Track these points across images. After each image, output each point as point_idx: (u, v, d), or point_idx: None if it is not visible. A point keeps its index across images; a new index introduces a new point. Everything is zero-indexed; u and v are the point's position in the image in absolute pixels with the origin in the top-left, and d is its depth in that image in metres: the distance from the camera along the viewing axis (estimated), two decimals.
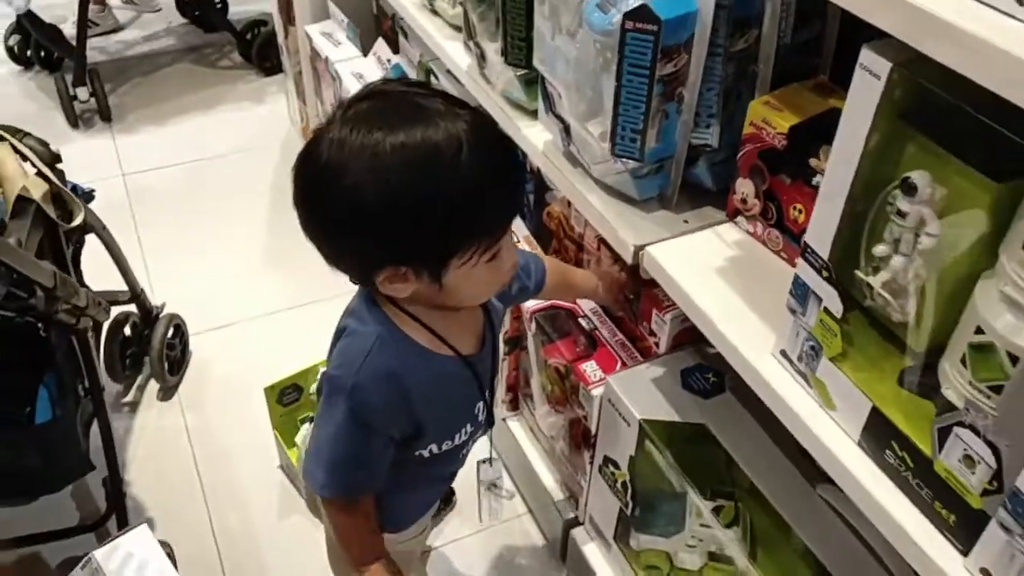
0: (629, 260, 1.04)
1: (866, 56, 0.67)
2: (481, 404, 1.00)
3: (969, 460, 0.67)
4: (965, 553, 0.70)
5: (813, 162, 0.91)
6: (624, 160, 1.01)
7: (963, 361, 0.70)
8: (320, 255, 0.88)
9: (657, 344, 1.21)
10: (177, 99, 2.73)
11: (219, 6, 2.90)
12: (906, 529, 0.73)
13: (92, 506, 1.54)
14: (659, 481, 1.25)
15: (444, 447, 0.98)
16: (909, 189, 0.69)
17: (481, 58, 1.32)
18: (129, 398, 1.78)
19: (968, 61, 0.56)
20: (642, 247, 1.02)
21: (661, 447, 1.12)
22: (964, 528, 0.70)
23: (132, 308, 1.69)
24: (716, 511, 1.17)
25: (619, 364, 1.23)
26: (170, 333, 1.74)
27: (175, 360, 1.77)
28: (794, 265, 0.82)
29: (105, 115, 2.61)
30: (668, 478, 1.24)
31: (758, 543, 1.10)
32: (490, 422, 1.04)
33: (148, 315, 1.72)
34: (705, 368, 1.17)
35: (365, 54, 1.99)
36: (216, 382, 1.81)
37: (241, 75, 2.85)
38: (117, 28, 3.10)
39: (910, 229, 0.71)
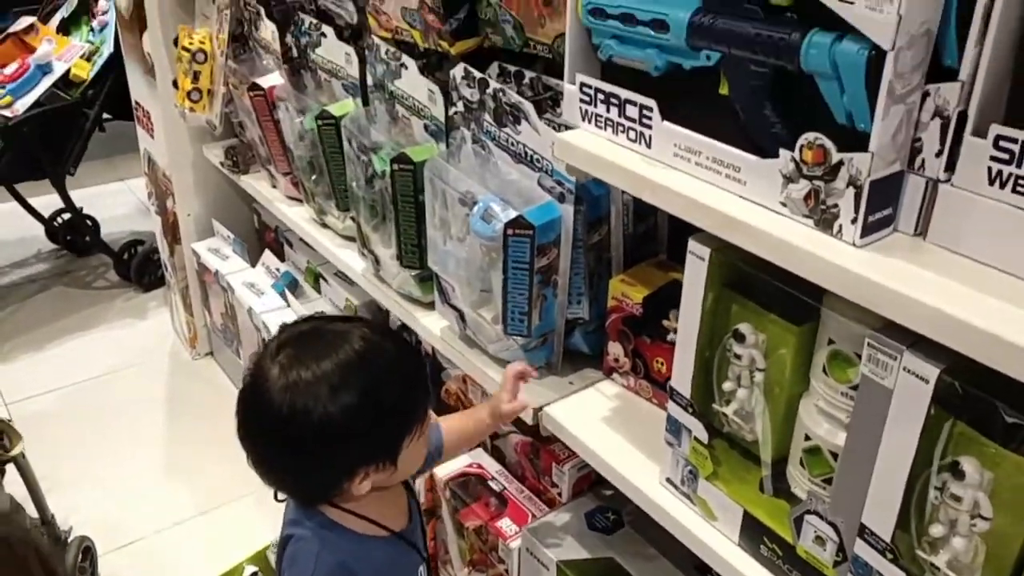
0: (530, 421, 1.22)
1: (693, 245, 0.91)
2: (423, 567, 1.12)
3: (819, 540, 0.87)
4: None
5: (666, 323, 1.14)
6: (515, 337, 1.21)
7: (801, 463, 0.92)
8: (268, 482, 1.00)
9: (560, 494, 1.38)
10: (54, 322, 2.76)
11: (92, 228, 3.00)
12: None
13: None
14: None
15: None
16: (739, 337, 0.92)
17: (376, 262, 1.52)
18: None
19: (755, 245, 0.80)
20: (540, 408, 1.21)
21: None
22: None
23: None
24: None
25: (530, 516, 1.39)
26: (80, 557, 1.74)
27: None
28: (664, 408, 1.02)
29: None
30: None
31: None
32: (430, 572, 1.16)
33: (57, 541, 1.72)
34: (605, 508, 1.34)
35: (253, 265, 2.15)
36: None
37: (119, 293, 2.93)
38: None
39: (746, 367, 0.93)
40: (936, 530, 0.77)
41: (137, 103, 2.35)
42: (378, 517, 1.04)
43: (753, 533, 0.95)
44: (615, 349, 1.22)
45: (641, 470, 1.09)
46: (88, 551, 1.79)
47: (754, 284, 0.89)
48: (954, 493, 0.74)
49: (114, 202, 3.47)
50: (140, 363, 2.57)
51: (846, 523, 0.84)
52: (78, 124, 2.66)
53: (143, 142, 2.41)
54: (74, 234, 3.00)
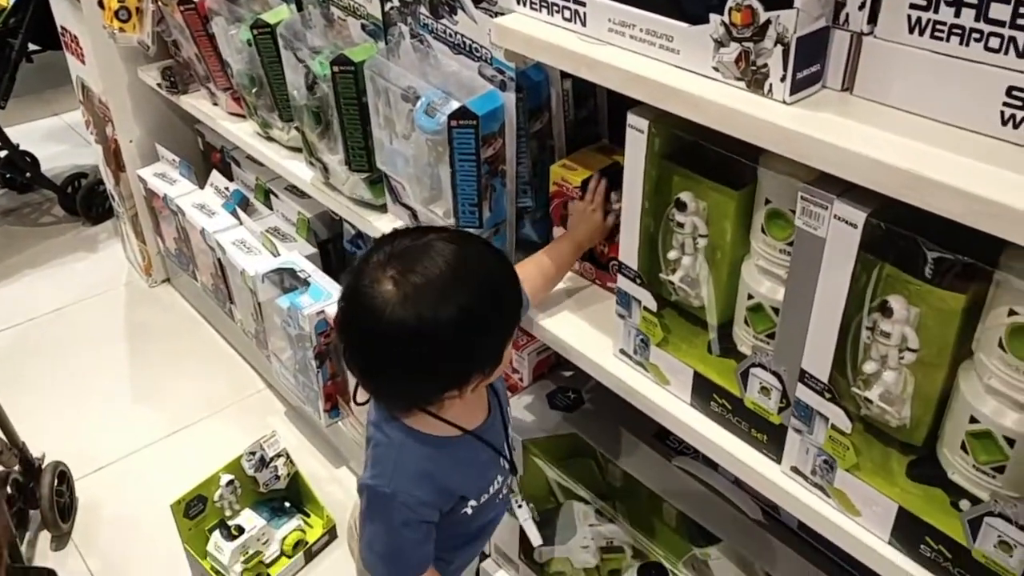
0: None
1: (632, 119, 0.93)
2: (501, 459, 1.14)
3: (764, 390, 0.93)
4: (778, 461, 0.95)
5: (605, 205, 1.17)
6: (467, 230, 1.24)
7: (745, 322, 0.96)
8: (367, 389, 1.02)
9: (521, 379, 1.42)
10: (3, 261, 2.72)
11: (31, 163, 2.92)
12: (735, 454, 0.97)
13: None
14: (548, 496, 1.44)
15: (482, 500, 1.11)
16: (681, 206, 0.96)
17: (324, 170, 1.52)
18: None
19: (691, 111, 0.82)
20: None
21: (544, 461, 1.32)
22: (774, 443, 0.94)
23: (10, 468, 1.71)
24: (599, 512, 1.38)
25: None
26: (56, 481, 1.76)
27: (64, 507, 1.80)
28: (607, 289, 1.06)
29: None
30: (555, 491, 1.44)
31: (636, 524, 1.31)
32: (513, 470, 1.19)
33: (31, 467, 1.74)
34: (565, 389, 1.40)
35: (201, 187, 2.13)
36: (110, 520, 1.84)
37: (67, 228, 2.88)
38: None
39: (689, 235, 0.97)
40: (869, 367, 0.82)
41: (63, 28, 2.27)
42: (457, 418, 1.05)
43: (703, 392, 1.00)
44: (559, 234, 1.25)
45: (596, 345, 1.13)
46: (64, 475, 1.82)
47: (693, 153, 0.92)
48: (883, 330, 0.79)
49: (51, 138, 3.37)
50: (96, 295, 2.55)
51: (788, 371, 0.89)
52: (3, 55, 2.57)
53: (74, 69, 2.33)
54: (13, 171, 2.92)
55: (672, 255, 1.00)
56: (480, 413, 1.10)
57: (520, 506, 1.22)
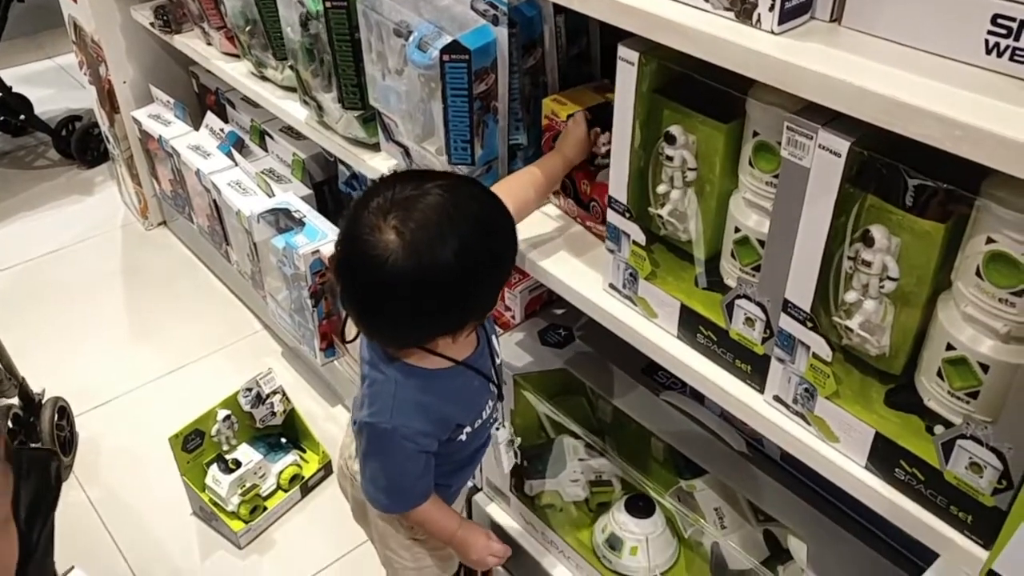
0: None
1: (622, 50, 0.93)
2: (491, 385, 1.16)
3: (749, 321, 0.94)
4: (761, 391, 0.97)
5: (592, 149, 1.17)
6: (459, 167, 1.24)
7: (732, 255, 0.98)
8: (366, 332, 1.05)
9: (513, 316, 1.44)
10: None
11: (25, 105, 2.90)
12: (720, 384, 0.99)
13: None
14: (538, 430, 1.47)
15: (476, 425, 1.14)
16: (670, 139, 0.96)
17: (318, 109, 1.52)
18: None
19: (681, 42, 0.83)
20: None
21: (536, 396, 1.35)
22: (757, 373, 0.96)
23: (10, 401, 1.73)
24: (589, 446, 1.41)
25: None
26: (56, 416, 1.79)
27: (65, 441, 1.83)
28: (587, 228, 1.06)
29: None
30: (545, 426, 1.47)
31: (624, 457, 1.34)
32: (500, 396, 1.21)
33: (31, 402, 1.77)
34: (556, 326, 1.42)
35: (196, 128, 2.12)
36: (110, 454, 1.88)
37: (62, 171, 2.87)
38: None
39: (678, 169, 0.98)
40: (850, 296, 0.84)
41: None
42: (451, 351, 1.07)
43: (690, 324, 1.02)
44: None
45: (585, 281, 1.15)
46: (64, 411, 1.84)
47: (683, 87, 0.93)
48: (865, 259, 0.81)
49: (44, 81, 3.34)
50: (92, 237, 2.56)
51: (772, 302, 0.91)
52: None
53: (66, 8, 2.31)
54: (7, 113, 2.90)
55: (661, 189, 1.01)
56: (471, 343, 1.12)
57: (499, 428, 1.25)
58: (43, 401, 1.80)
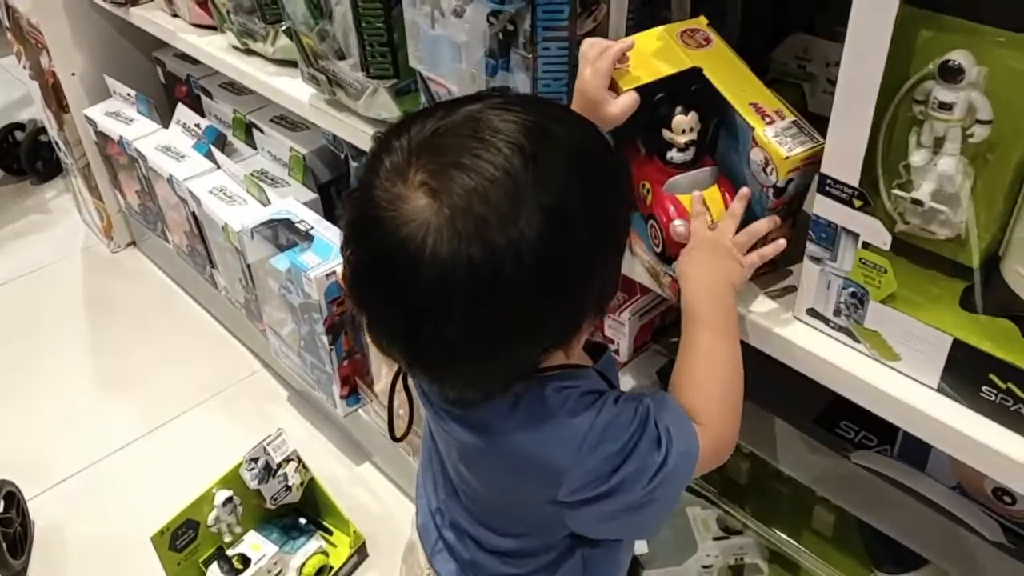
0: None
1: None
2: None
3: None
4: None
5: (666, 134, 0.77)
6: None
7: None
8: (432, 378, 0.68)
9: (618, 351, 1.07)
10: None
11: None
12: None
13: None
14: None
15: None
16: (950, 74, 0.59)
17: (330, 83, 1.14)
18: None
19: None
20: None
21: None
22: None
23: None
24: (727, 514, 1.06)
25: None
26: (2, 506, 1.41)
27: (15, 538, 1.43)
28: None
29: None
30: None
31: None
32: None
33: None
34: None
35: (166, 126, 1.75)
36: (75, 551, 1.48)
37: (8, 189, 2.49)
38: None
39: (957, 122, 0.61)
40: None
41: None
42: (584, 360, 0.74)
43: (966, 371, 0.66)
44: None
45: (762, 302, 0.78)
46: (12, 497, 1.45)
47: None
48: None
49: None
50: (50, 265, 2.18)
51: None
52: None
53: None
54: None
55: (918, 159, 0.63)
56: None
57: None
58: None
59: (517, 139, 0.58)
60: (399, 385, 0.78)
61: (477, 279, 0.56)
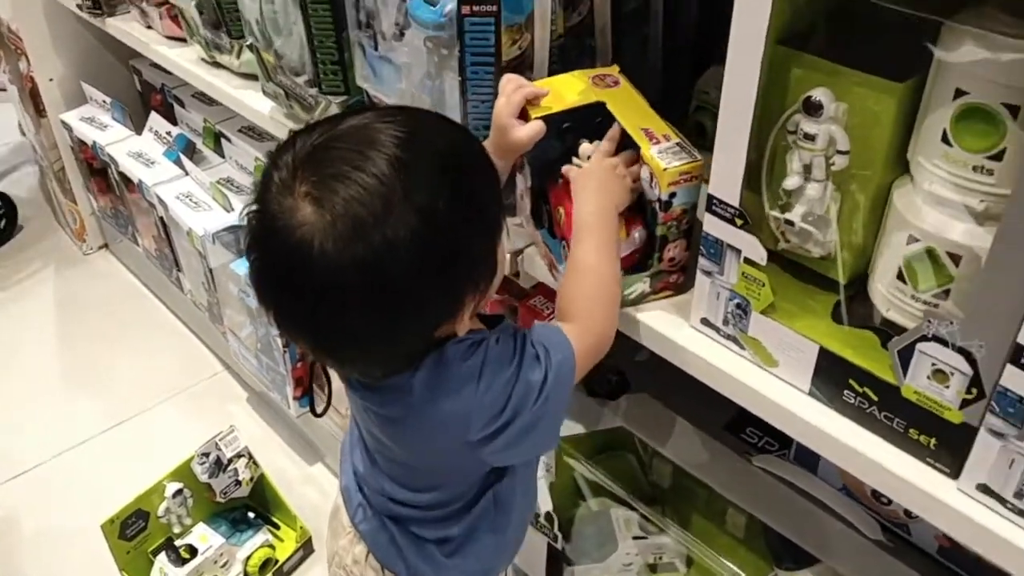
0: (507, 271, 0.95)
1: None
2: None
3: (940, 375, 0.64)
4: (954, 475, 0.66)
5: (574, 160, 0.84)
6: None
7: (901, 277, 0.67)
8: (337, 363, 0.77)
9: None
10: None
11: None
12: (883, 464, 0.68)
13: None
14: (583, 503, 1.17)
15: None
16: (813, 108, 0.66)
17: (288, 97, 1.20)
18: None
19: None
20: (519, 251, 0.95)
21: (578, 459, 1.04)
22: (946, 449, 0.66)
23: None
24: (645, 519, 1.11)
25: None
26: None
27: None
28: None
29: None
30: (584, 492, 1.17)
31: (695, 535, 1.05)
32: None
33: None
34: (605, 369, 1.10)
35: (139, 132, 1.80)
36: (31, 540, 1.53)
37: None
38: None
39: (821, 152, 0.68)
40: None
41: None
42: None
43: (832, 377, 0.72)
44: None
45: (662, 313, 0.84)
46: None
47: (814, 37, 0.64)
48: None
49: None
50: (21, 264, 2.22)
51: (987, 348, 0.60)
52: None
53: None
54: None
55: (790, 183, 0.71)
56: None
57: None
58: None
59: (390, 148, 0.66)
60: (317, 369, 0.84)
61: (361, 271, 0.64)
